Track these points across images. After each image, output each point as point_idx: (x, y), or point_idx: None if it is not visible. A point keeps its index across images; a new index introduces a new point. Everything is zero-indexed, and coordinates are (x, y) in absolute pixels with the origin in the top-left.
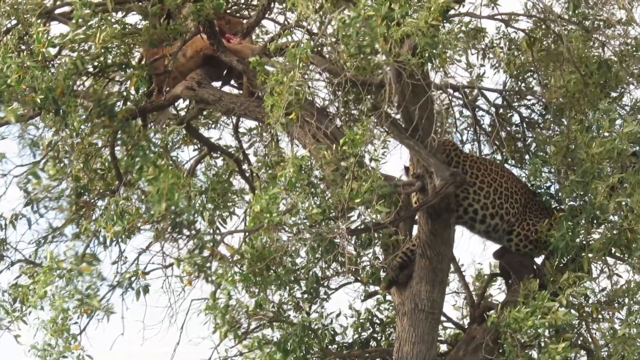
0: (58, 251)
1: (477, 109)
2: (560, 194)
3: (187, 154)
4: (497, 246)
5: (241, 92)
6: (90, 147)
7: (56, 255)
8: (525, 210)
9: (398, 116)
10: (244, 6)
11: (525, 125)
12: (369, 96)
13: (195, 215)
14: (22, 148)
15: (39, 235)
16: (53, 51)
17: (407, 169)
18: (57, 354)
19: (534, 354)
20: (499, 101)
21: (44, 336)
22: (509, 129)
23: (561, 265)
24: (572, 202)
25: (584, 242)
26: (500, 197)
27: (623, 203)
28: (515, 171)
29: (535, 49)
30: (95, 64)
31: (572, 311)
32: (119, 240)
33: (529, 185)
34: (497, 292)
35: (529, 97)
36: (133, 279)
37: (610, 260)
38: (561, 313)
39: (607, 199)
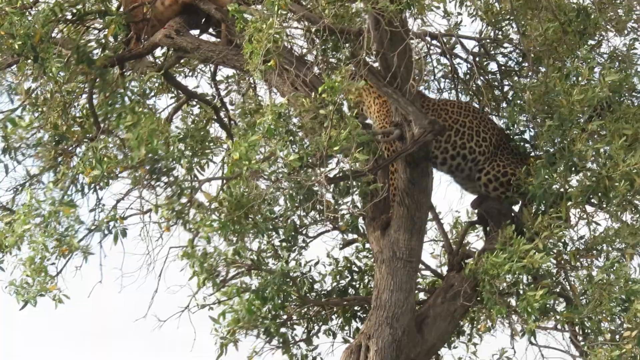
0: (37, 195)
1: (454, 57)
2: (536, 141)
3: (164, 101)
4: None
5: (219, 40)
6: (68, 95)
7: (36, 194)
8: (497, 152)
9: (376, 64)
10: None
11: (502, 73)
12: (347, 44)
13: (174, 162)
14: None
15: (16, 183)
16: None
17: None
18: (33, 292)
19: (513, 301)
20: (476, 49)
21: (21, 273)
22: (486, 77)
23: (539, 212)
24: (548, 149)
25: (562, 190)
26: (462, 137)
27: (601, 150)
28: (494, 119)
29: None
30: (74, 11)
31: (550, 257)
32: (97, 187)
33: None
34: (475, 239)
35: (506, 45)
36: (111, 223)
37: (589, 208)
38: (538, 256)
39: (585, 146)
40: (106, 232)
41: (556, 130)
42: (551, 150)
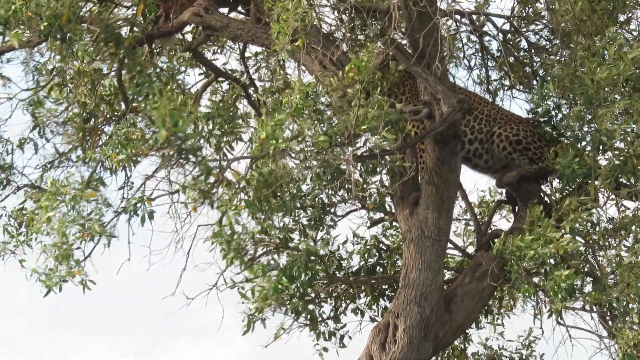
0: (62, 177)
1: (484, 35)
2: (564, 123)
3: (192, 78)
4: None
5: (248, 18)
6: (95, 73)
7: (59, 178)
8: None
9: (404, 42)
10: None
11: (532, 51)
12: (375, 22)
13: (201, 141)
14: (26, 74)
15: (45, 160)
16: None
17: None
18: (58, 278)
19: (540, 281)
20: (506, 27)
21: (45, 260)
22: (516, 54)
23: (567, 192)
24: (577, 131)
25: (590, 170)
26: (480, 122)
27: (629, 129)
28: (523, 97)
29: None
30: None
31: (578, 238)
32: (125, 167)
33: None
34: (503, 219)
35: (536, 22)
36: (139, 205)
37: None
38: (565, 241)
39: (613, 124)
40: (133, 214)
41: (584, 110)
42: (578, 130)
